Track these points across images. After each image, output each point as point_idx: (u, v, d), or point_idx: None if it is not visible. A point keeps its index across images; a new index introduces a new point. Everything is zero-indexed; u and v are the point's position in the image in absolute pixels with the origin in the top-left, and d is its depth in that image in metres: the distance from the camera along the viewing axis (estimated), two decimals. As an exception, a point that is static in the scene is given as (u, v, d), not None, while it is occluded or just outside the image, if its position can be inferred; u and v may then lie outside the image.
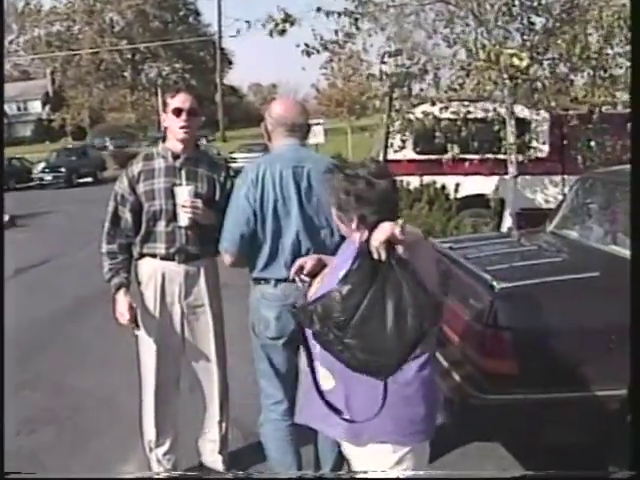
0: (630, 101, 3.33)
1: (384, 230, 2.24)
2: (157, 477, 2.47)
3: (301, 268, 2.82)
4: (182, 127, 3.70)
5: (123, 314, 3.71)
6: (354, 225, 2.51)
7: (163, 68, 71.47)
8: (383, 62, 9.02)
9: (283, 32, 7.89)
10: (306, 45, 8.28)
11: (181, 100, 3.70)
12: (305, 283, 2.81)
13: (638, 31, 3.35)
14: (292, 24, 7.89)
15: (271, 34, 7.86)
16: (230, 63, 74.09)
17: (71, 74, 65.30)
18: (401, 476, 2.47)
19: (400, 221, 2.26)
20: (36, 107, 67.58)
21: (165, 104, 3.79)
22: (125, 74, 69.47)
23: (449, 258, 4.31)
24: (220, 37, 61.82)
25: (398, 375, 2.34)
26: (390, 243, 2.26)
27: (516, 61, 7.08)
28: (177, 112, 3.69)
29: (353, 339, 2.27)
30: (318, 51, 8.41)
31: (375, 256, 2.26)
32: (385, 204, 2.47)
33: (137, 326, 3.75)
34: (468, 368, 3.66)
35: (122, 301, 3.73)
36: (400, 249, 2.30)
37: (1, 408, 3.33)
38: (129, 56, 68.39)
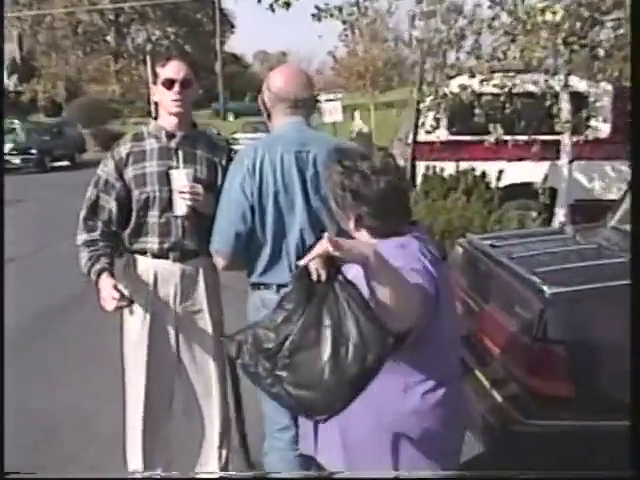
0: (630, 100, 3.40)
1: (318, 246, 2.18)
2: (157, 477, 2.57)
3: None
4: (175, 100, 3.72)
5: (109, 297, 3.57)
6: (351, 225, 2.55)
7: (152, 32, 71.34)
8: (413, 26, 9.03)
9: (288, 5, 7.86)
10: (317, 8, 8.26)
11: (173, 69, 3.71)
12: None
13: (637, 25, 3.49)
14: None
15: (272, 8, 7.84)
16: (232, 27, 73.83)
17: (43, 38, 65.12)
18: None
19: (329, 237, 2.16)
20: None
21: (155, 74, 3.81)
22: (107, 38, 69.32)
23: (490, 258, 4.33)
24: (220, -5, 61.88)
25: (388, 404, 2.35)
26: (332, 261, 2.20)
27: (549, 16, 7.02)
28: (168, 84, 3.70)
29: (283, 371, 2.24)
30: (332, 14, 8.40)
31: (314, 276, 2.21)
32: (385, 205, 2.51)
33: (130, 304, 3.62)
34: (512, 388, 3.67)
35: (106, 284, 3.62)
36: (352, 269, 2.27)
37: (1, 408, 3.45)
38: (112, 17, 68.30)
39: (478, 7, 8.80)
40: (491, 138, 9.29)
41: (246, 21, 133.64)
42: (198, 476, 2.60)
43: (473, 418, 3.55)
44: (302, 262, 2.21)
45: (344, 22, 9.16)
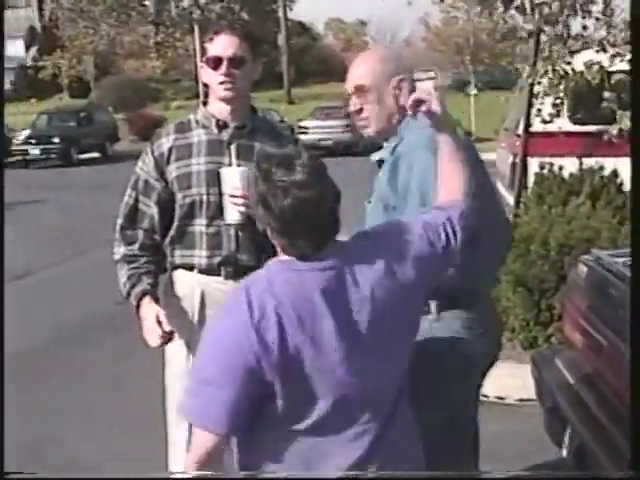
0: (630, 98, 3.54)
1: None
2: (157, 477, 2.82)
3: None
4: (222, 82, 3.76)
5: (152, 331, 3.65)
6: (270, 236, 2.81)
7: (202, -5, 72.15)
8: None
9: None
10: None
11: (221, 45, 3.75)
12: None
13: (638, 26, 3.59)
14: None
15: None
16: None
17: (68, 1, 66.12)
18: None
19: None
20: (17, 49, 68.75)
21: (203, 50, 3.87)
22: (146, 3, 70.17)
23: (624, 280, 4.28)
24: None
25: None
26: None
27: None
28: (215, 62, 3.75)
29: None
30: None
31: None
32: (293, 224, 2.69)
33: (171, 336, 3.68)
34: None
35: (149, 312, 3.70)
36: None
37: (1, 408, 3.65)
38: (153, -24, 69.22)
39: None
40: (613, 130, 9.16)
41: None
42: (198, 476, 2.75)
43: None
44: None
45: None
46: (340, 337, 2.71)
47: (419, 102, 3.00)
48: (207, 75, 3.81)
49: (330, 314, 2.70)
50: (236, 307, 2.76)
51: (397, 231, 2.92)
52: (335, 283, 2.73)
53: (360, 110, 3.60)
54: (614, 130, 9.16)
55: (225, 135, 3.82)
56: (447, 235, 2.90)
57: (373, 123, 3.61)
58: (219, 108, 3.84)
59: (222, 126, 3.83)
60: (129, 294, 3.79)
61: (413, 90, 3.50)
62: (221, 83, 3.75)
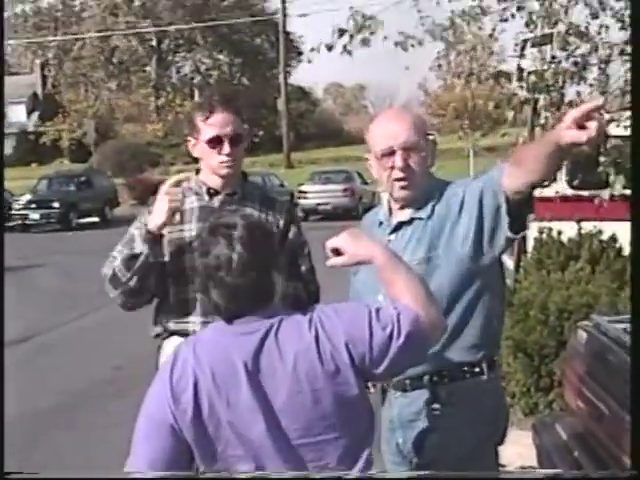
0: (630, 101, 3.59)
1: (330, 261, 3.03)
2: (158, 477, 2.84)
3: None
4: (223, 162, 3.80)
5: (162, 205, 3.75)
6: None
7: (202, 60, 72.71)
8: (522, 55, 9.03)
9: (366, 42, 7.96)
10: (403, 35, 8.34)
11: (219, 123, 3.76)
12: None
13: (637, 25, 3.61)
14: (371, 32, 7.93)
15: (348, 51, 7.95)
16: (299, 54, 74.76)
17: (70, 68, 66.51)
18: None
19: None
20: (19, 114, 69.36)
21: (195, 127, 3.85)
22: (147, 69, 70.68)
23: (624, 347, 4.26)
24: (285, 16, 62.61)
25: None
26: None
27: None
28: (215, 142, 3.77)
29: None
30: (421, 43, 8.47)
31: None
32: (214, 287, 2.84)
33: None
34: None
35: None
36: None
37: (1, 408, 3.77)
38: (153, 43, 69.75)
39: (605, 29, 8.76)
40: (604, 195, 9.17)
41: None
42: (199, 476, 2.80)
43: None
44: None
45: (442, 49, 9.28)
46: (257, 401, 2.77)
47: (332, 252, 3.06)
48: (203, 152, 3.83)
49: (247, 378, 2.77)
50: (164, 366, 2.92)
51: (343, 309, 2.95)
52: (257, 348, 2.79)
53: (405, 169, 3.55)
54: (605, 195, 9.18)
55: (216, 202, 3.85)
56: (392, 330, 2.84)
57: (417, 182, 3.58)
58: (211, 178, 3.87)
59: (213, 194, 3.87)
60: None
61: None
62: (222, 162, 3.79)
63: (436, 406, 3.45)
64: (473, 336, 3.47)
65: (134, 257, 3.77)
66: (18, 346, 11.25)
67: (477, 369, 3.48)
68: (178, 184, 3.81)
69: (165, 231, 3.81)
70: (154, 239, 3.76)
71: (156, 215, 3.76)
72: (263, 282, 2.86)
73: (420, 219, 3.54)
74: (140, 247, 3.77)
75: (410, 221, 3.58)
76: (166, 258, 3.81)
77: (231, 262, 2.79)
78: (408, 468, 3.54)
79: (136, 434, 2.87)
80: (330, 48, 8.04)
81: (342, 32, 7.95)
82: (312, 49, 8.42)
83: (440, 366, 3.44)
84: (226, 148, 3.76)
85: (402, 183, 3.54)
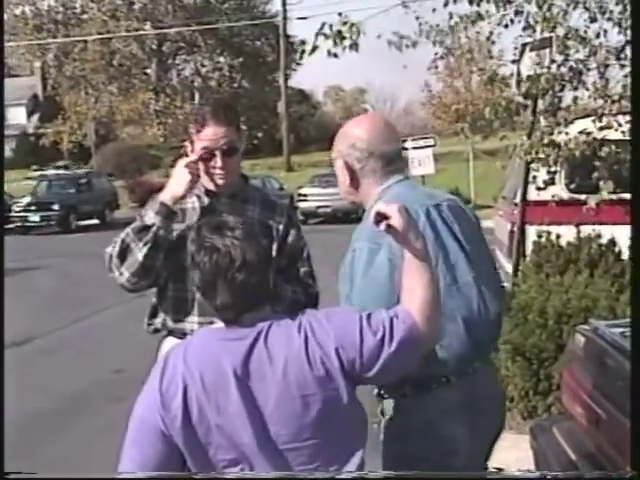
0: (630, 102, 3.61)
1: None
2: (158, 477, 2.87)
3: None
4: (217, 174, 3.80)
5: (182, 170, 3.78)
6: None
7: (202, 63, 72.60)
8: (520, 59, 9.02)
9: (355, 46, 7.94)
10: (397, 35, 8.33)
11: (211, 136, 3.75)
12: None
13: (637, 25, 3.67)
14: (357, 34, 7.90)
15: (334, 54, 7.91)
16: (301, 56, 74.64)
17: (70, 70, 66.37)
18: None
19: None
20: (19, 116, 69.17)
21: (189, 136, 3.86)
22: (148, 71, 70.55)
23: (622, 352, 4.27)
24: (285, 19, 62.57)
25: None
26: None
27: None
28: (209, 154, 3.76)
29: None
30: (415, 44, 8.45)
31: None
32: (212, 287, 2.85)
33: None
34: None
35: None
36: None
37: (1, 408, 3.84)
38: (154, 46, 69.65)
39: (604, 32, 8.74)
40: (591, 202, 9.16)
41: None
42: (199, 476, 2.83)
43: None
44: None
45: (441, 53, 9.25)
46: (247, 407, 2.78)
47: (380, 216, 2.89)
48: (199, 162, 3.83)
49: (237, 384, 2.78)
50: (154, 372, 2.92)
51: (334, 314, 2.96)
52: (246, 354, 2.81)
53: None
54: (592, 201, 9.17)
55: (216, 204, 3.85)
56: (383, 335, 2.85)
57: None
58: (209, 182, 3.87)
59: (213, 195, 3.87)
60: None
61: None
62: (216, 174, 3.79)
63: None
64: None
65: (145, 228, 3.77)
66: (18, 348, 11.24)
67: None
68: (197, 162, 3.80)
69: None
70: (167, 212, 3.77)
71: (175, 185, 3.79)
72: (260, 284, 2.87)
73: None
74: (152, 219, 3.76)
75: None
76: (165, 258, 3.81)
77: (230, 263, 2.79)
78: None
79: (127, 440, 2.89)
80: (314, 49, 8.01)
81: (326, 36, 7.94)
82: (303, 51, 8.39)
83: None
84: (219, 161, 3.76)
85: None
